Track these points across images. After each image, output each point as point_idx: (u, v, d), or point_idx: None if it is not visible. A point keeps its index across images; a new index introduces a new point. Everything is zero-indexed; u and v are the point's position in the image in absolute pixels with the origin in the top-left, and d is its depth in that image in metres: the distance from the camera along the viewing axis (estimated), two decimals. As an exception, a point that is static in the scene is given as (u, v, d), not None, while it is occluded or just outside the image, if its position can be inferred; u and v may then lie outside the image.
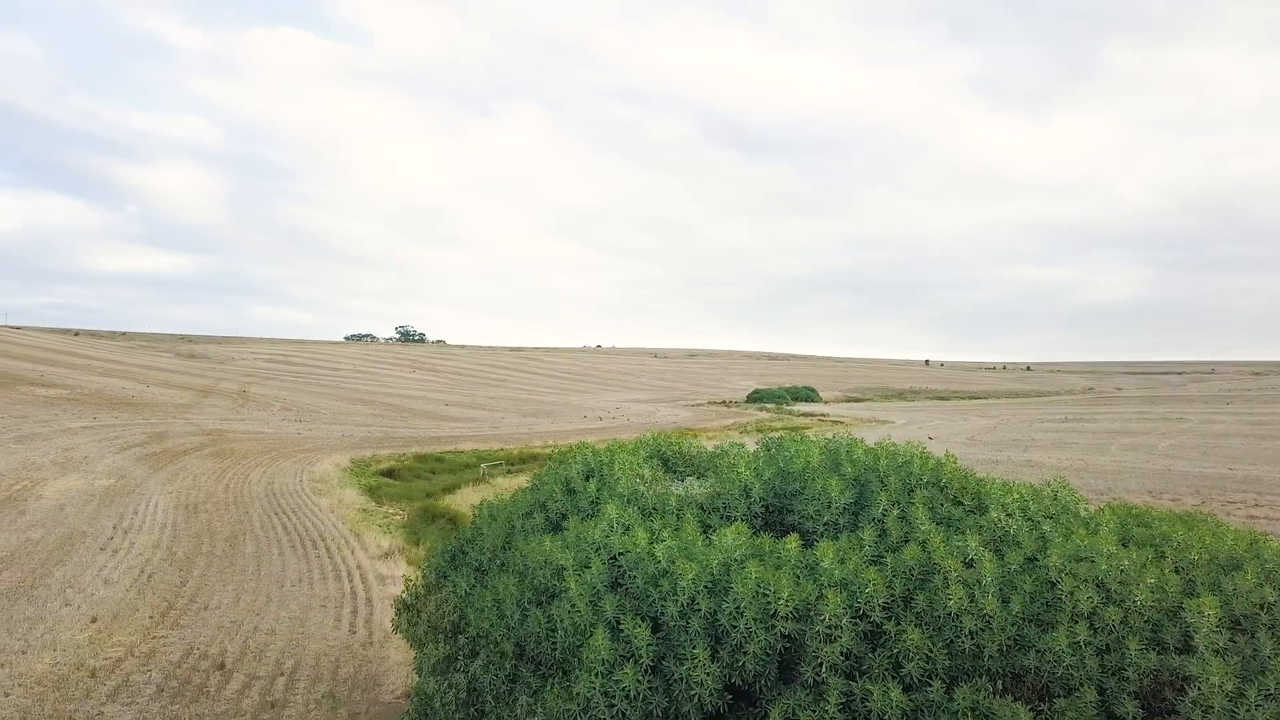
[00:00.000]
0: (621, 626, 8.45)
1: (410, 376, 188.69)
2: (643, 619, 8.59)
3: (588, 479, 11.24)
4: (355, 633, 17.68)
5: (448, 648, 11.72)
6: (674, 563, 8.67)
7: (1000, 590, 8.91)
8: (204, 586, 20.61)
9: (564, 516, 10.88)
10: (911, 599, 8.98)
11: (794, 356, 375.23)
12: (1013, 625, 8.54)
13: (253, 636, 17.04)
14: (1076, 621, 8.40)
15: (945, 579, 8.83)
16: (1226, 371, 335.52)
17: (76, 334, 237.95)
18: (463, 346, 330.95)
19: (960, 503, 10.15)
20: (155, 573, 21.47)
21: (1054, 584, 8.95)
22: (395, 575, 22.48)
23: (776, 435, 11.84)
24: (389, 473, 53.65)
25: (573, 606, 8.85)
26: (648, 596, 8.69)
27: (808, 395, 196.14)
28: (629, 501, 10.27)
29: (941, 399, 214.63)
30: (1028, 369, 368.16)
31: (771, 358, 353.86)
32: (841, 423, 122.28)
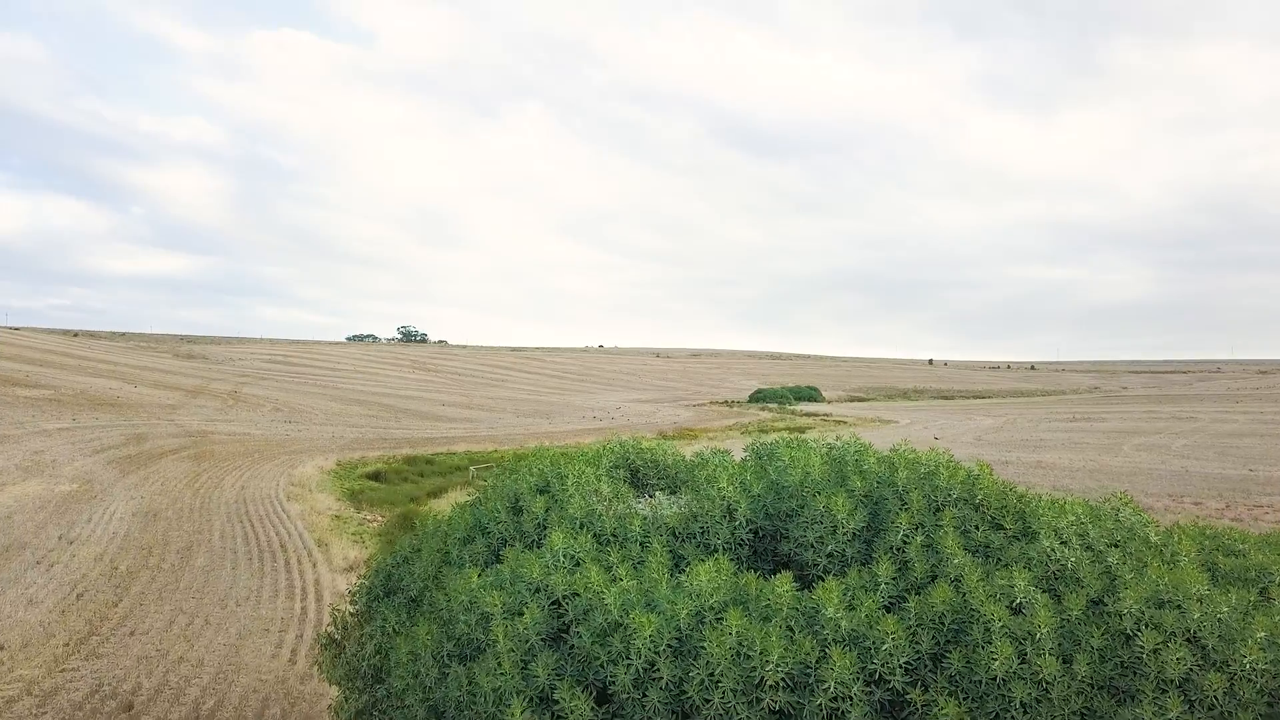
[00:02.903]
0: (557, 698, 6.38)
1: (409, 377, 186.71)
2: (586, 687, 6.51)
3: (539, 495, 9.14)
4: (295, 663, 15.60)
5: (367, 698, 9.66)
6: (629, 614, 6.58)
7: (1060, 646, 6.83)
8: (138, 607, 18.54)
9: (506, 544, 8.78)
10: (943, 657, 6.92)
11: (797, 356, 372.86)
12: (1079, 695, 6.45)
13: (176, 669, 14.96)
14: (1165, 691, 6.32)
15: (987, 630, 6.76)
16: (1233, 370, 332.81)
17: (75, 335, 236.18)
18: (464, 346, 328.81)
19: (1001, 526, 8.03)
20: (88, 591, 19.40)
21: (1130, 638, 6.87)
22: (362, 574, 20.38)
23: (770, 439, 9.72)
24: (375, 475, 51.53)
25: (497, 665, 6.78)
26: (595, 658, 6.59)
27: (811, 395, 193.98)
28: (582, 526, 8.16)
29: (946, 398, 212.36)
30: (1032, 368, 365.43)
31: (774, 357, 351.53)
32: (845, 422, 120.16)
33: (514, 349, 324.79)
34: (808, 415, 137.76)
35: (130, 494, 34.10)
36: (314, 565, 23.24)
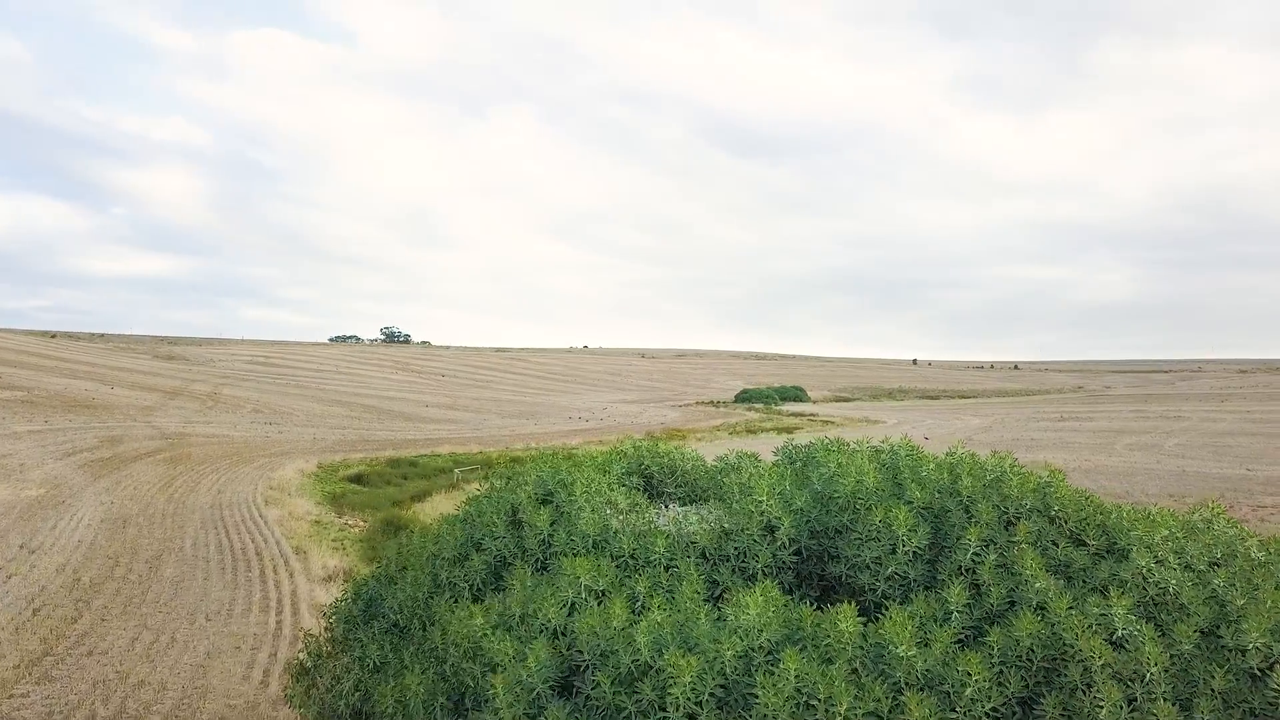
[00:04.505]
0: (576, 762, 5.24)
1: (392, 378, 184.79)
2: (610, 747, 5.37)
3: (542, 506, 7.96)
4: (268, 685, 14.35)
5: (346, 742, 8.47)
6: (662, 653, 5.44)
7: (1174, 689, 5.76)
8: (100, 623, 17.23)
9: (506, 563, 7.60)
10: (1035, 702, 5.80)
11: (782, 356, 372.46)
12: (1204, 750, 5.37)
13: (136, 694, 13.68)
14: (1311, 745, 5.26)
15: (1086, 670, 5.65)
16: (1213, 370, 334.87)
17: (53, 336, 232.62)
18: (447, 347, 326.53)
19: (1082, 542, 6.92)
20: (46, 605, 18.07)
21: (1259, 678, 5.80)
22: (339, 597, 19.10)
23: (801, 439, 8.56)
24: (357, 478, 50.13)
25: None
26: (620, 710, 5.42)
27: (796, 395, 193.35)
28: (595, 545, 7.00)
29: (931, 398, 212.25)
30: (1015, 368, 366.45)
31: (759, 357, 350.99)
32: (832, 422, 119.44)
33: (498, 349, 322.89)
34: (794, 415, 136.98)
35: (100, 499, 32.66)
36: (291, 575, 21.95)
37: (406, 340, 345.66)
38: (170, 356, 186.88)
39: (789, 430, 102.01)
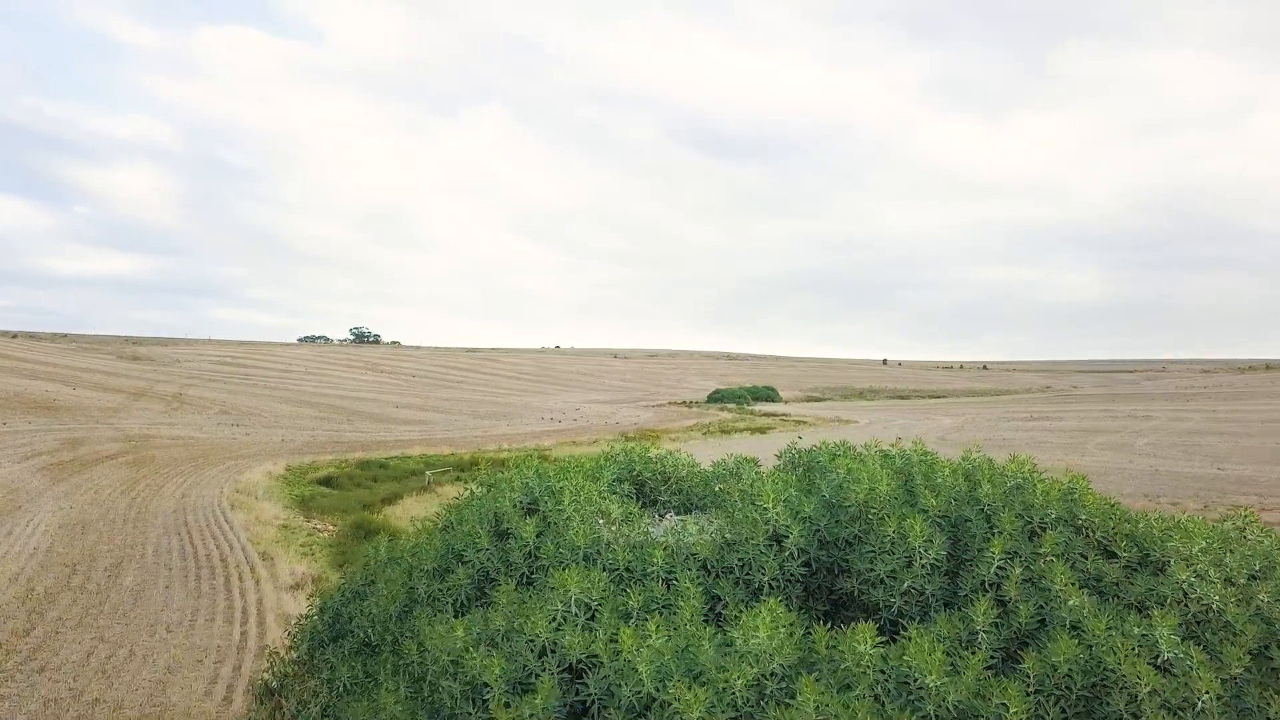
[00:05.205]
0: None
1: (362, 378, 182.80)
2: (613, 791, 4.81)
3: (527, 515, 7.38)
4: (231, 702, 13.62)
5: (313, 771, 7.84)
6: (666, 685, 4.88)
7: (1228, 718, 5.28)
8: (54, 636, 16.39)
9: (489, 577, 7.01)
10: (1076, 735, 5.31)
11: (753, 356, 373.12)
12: (1264, 786, 4.89)
13: (90, 712, 12.91)
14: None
15: (1132, 698, 5.17)
16: (1177, 369, 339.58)
17: (14, 336, 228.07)
18: (418, 347, 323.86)
19: (1113, 554, 6.44)
20: (-4, 617, 17.20)
21: (1316, 705, 5.34)
22: (304, 614, 18.36)
23: (800, 440, 8.03)
24: (327, 481, 49.13)
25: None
26: (624, 750, 4.86)
27: (768, 395, 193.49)
28: (587, 558, 6.43)
29: (902, 398, 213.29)
30: (984, 368, 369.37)
31: (731, 358, 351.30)
32: (805, 422, 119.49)
33: (469, 350, 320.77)
34: (767, 415, 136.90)
35: (59, 504, 31.58)
36: (257, 582, 21.15)
37: (376, 341, 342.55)
38: (135, 357, 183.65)
39: (762, 430, 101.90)
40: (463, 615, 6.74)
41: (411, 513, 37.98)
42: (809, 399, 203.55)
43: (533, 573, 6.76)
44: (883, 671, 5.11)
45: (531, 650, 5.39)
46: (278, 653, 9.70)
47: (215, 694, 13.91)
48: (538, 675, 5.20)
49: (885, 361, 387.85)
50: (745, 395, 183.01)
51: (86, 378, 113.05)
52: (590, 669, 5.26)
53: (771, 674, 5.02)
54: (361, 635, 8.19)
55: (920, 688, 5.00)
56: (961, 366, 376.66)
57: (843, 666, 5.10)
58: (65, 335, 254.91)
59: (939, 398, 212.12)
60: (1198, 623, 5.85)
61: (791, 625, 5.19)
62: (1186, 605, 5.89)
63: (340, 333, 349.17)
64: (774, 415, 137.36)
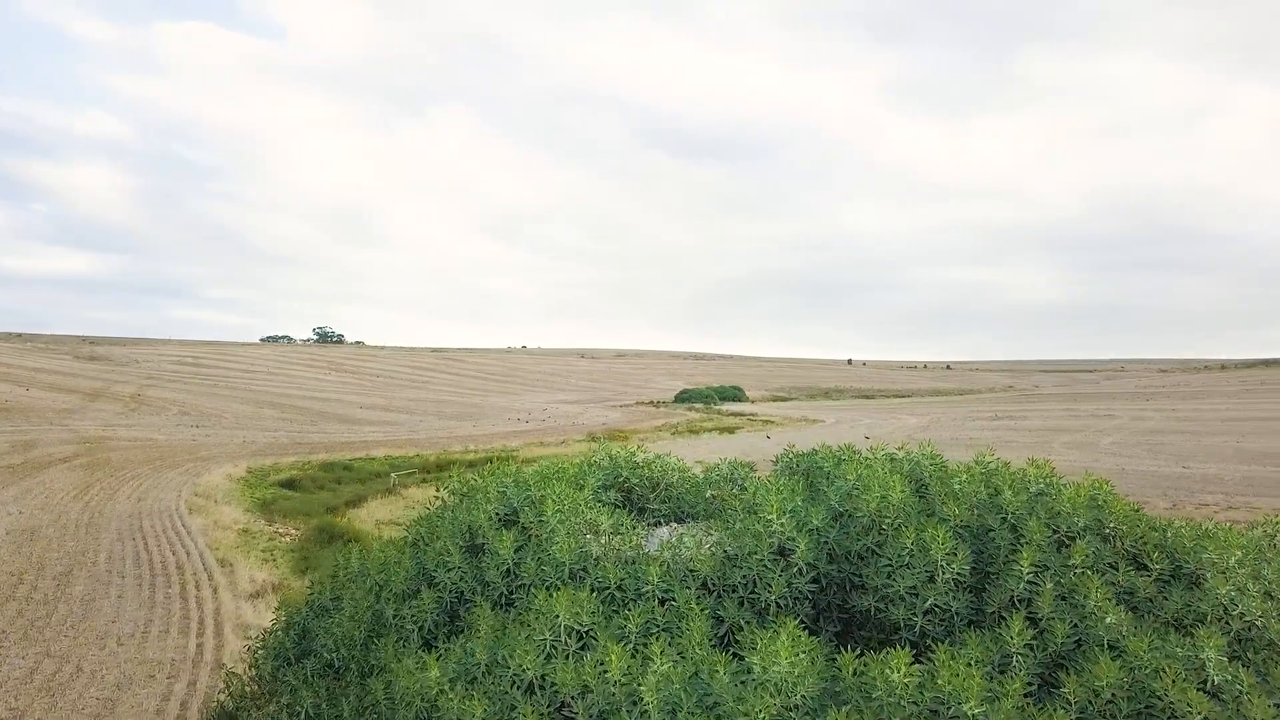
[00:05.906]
0: None
1: (326, 379, 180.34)
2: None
3: (505, 528, 6.75)
4: (186, 722, 12.86)
5: (272, 806, 7.18)
6: (677, 717, 4.31)
7: (1287, 750, 4.82)
8: (-4, 651, 15.49)
9: (462, 599, 6.39)
10: (1120, 767, 4.82)
11: (720, 356, 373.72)
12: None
13: (32, 736, 12.10)
14: None
15: (1181, 727, 4.69)
16: (1135, 369, 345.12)
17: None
18: (382, 347, 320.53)
19: (1144, 565, 5.96)
20: (-65, 632, 16.25)
21: (1377, 732, 4.90)
22: (264, 624, 17.57)
23: (811, 449, 7.49)
24: (289, 483, 47.98)
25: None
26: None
27: (735, 395, 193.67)
28: (573, 576, 5.84)
29: (867, 397, 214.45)
30: (947, 368, 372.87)
31: (698, 358, 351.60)
32: (773, 422, 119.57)
33: (435, 350, 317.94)
34: (734, 415, 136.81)
35: (6, 509, 30.39)
36: (215, 590, 20.29)
37: (340, 340, 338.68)
38: (92, 357, 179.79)
39: (730, 430, 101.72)
40: (431, 644, 6.13)
41: (376, 515, 37.14)
42: (775, 399, 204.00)
43: (512, 593, 6.16)
44: (917, 702, 4.58)
45: (518, 687, 4.79)
46: (235, 673, 8.99)
47: (168, 712, 13.12)
48: (525, 717, 4.59)
49: (850, 361, 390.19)
50: (712, 395, 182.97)
51: (41, 378, 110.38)
52: (579, 701, 4.67)
53: (795, 706, 4.47)
54: (326, 656, 7.54)
55: (955, 717, 4.47)
56: (925, 366, 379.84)
57: (875, 695, 4.56)
58: (20, 335, 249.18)
59: (904, 397, 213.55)
60: (1240, 641, 5.39)
61: (813, 651, 4.64)
62: (1228, 623, 5.43)
63: (303, 333, 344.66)
64: (741, 415, 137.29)
